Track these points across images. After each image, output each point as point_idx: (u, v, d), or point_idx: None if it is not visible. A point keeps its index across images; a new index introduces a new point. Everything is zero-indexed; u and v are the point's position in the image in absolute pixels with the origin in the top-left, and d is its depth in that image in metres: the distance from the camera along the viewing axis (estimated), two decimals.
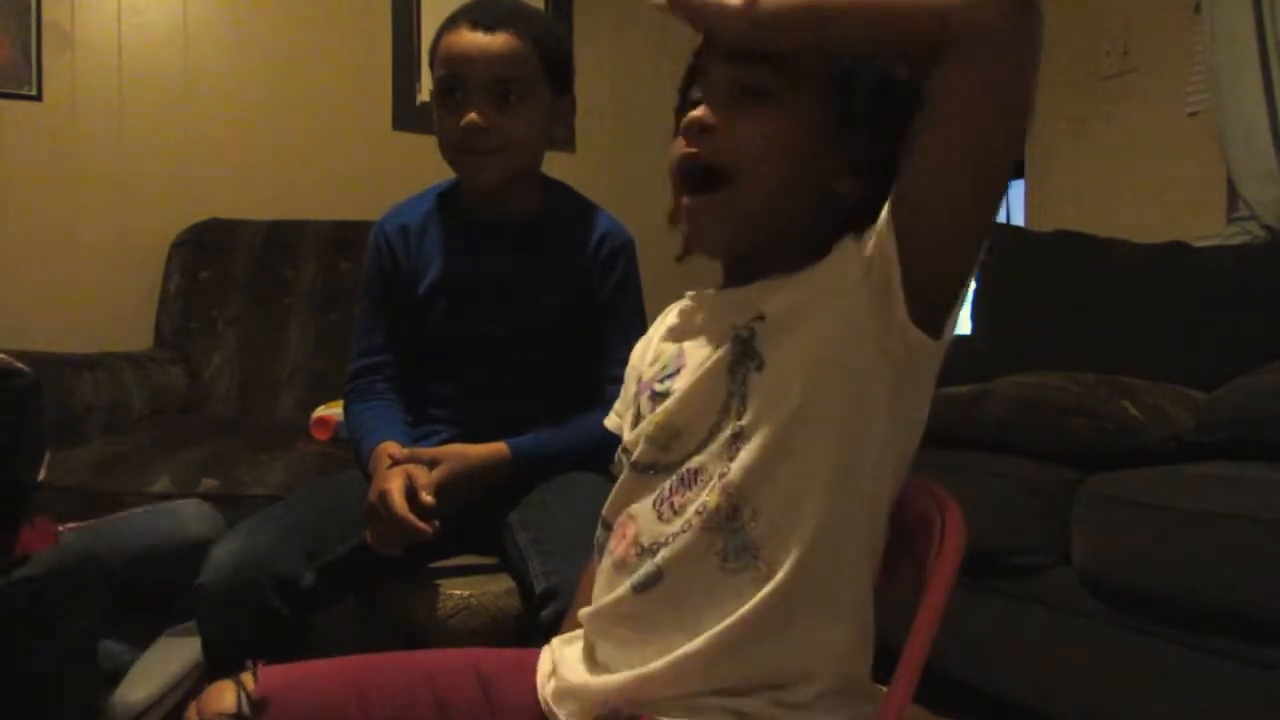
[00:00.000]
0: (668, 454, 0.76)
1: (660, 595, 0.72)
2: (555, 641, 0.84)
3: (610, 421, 0.92)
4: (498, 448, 1.24)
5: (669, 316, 0.88)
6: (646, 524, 0.75)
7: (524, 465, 1.25)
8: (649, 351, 0.86)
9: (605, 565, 0.79)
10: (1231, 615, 1.30)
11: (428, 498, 1.13)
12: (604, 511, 0.81)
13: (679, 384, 0.77)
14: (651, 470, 0.77)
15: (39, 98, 2.51)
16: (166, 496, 1.74)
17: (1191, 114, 2.41)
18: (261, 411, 2.41)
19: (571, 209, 1.38)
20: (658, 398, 0.79)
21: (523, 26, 1.26)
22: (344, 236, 2.57)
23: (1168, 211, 2.44)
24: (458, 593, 1.21)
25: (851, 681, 0.72)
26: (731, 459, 0.71)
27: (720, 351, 0.74)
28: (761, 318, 0.72)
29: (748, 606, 0.69)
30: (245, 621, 1.11)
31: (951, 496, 0.76)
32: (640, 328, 1.36)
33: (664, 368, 0.80)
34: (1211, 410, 1.56)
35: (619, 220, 1.39)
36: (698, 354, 0.77)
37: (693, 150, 0.75)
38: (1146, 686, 1.43)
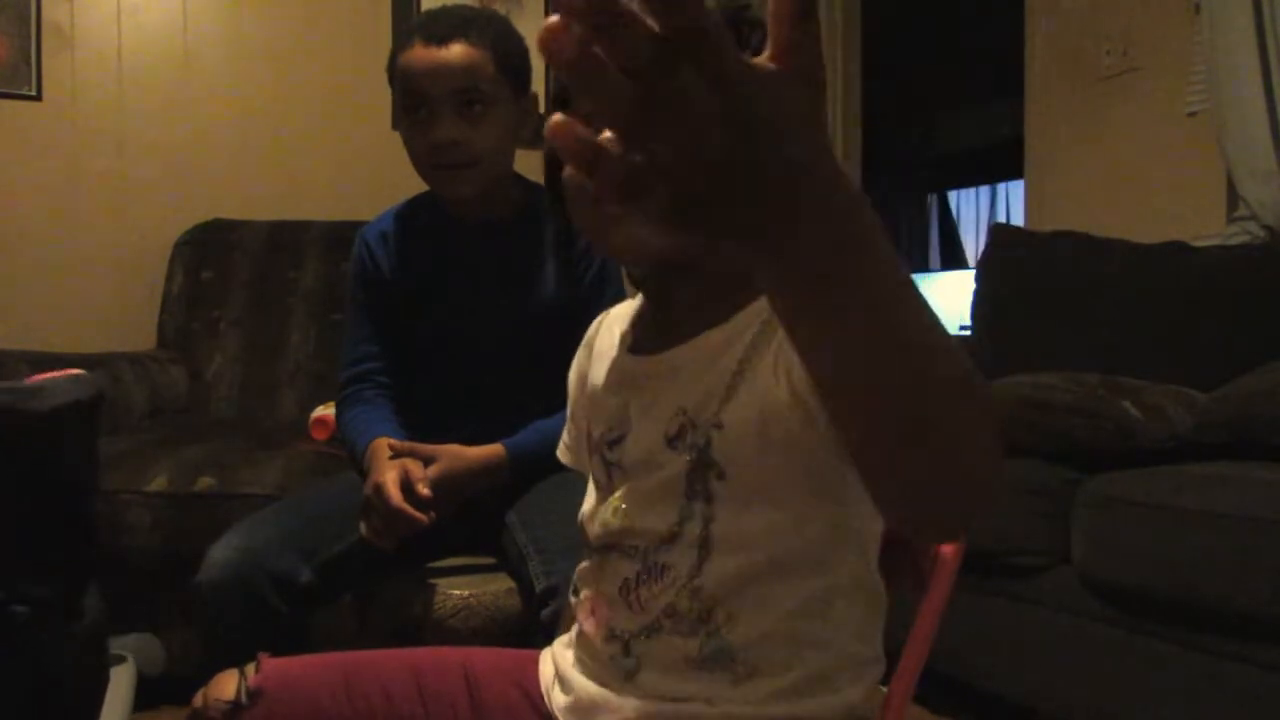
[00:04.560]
0: (628, 539, 0.73)
1: (641, 688, 0.70)
2: (557, 645, 0.84)
3: (563, 456, 0.90)
4: (494, 449, 1.24)
5: (601, 339, 0.84)
6: (616, 610, 0.72)
7: (520, 466, 1.25)
8: (590, 399, 0.82)
9: (575, 633, 0.78)
10: (1231, 615, 1.30)
11: (424, 490, 1.14)
12: (575, 576, 0.79)
13: (629, 456, 0.74)
14: (613, 553, 0.74)
15: (39, 98, 2.51)
16: (164, 495, 1.74)
17: (1191, 114, 2.40)
18: (263, 411, 2.41)
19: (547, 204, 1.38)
20: (611, 467, 0.76)
21: (475, 35, 1.25)
22: (345, 237, 2.54)
23: (1168, 211, 2.44)
24: (457, 593, 1.21)
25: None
26: (702, 560, 0.68)
27: (677, 457, 0.69)
28: (719, 426, 0.68)
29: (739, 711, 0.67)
30: (243, 619, 1.11)
31: None
32: None
33: (610, 428, 0.77)
34: (1211, 410, 1.56)
35: None
36: (645, 429, 0.73)
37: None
38: (1146, 686, 1.43)
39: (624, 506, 0.73)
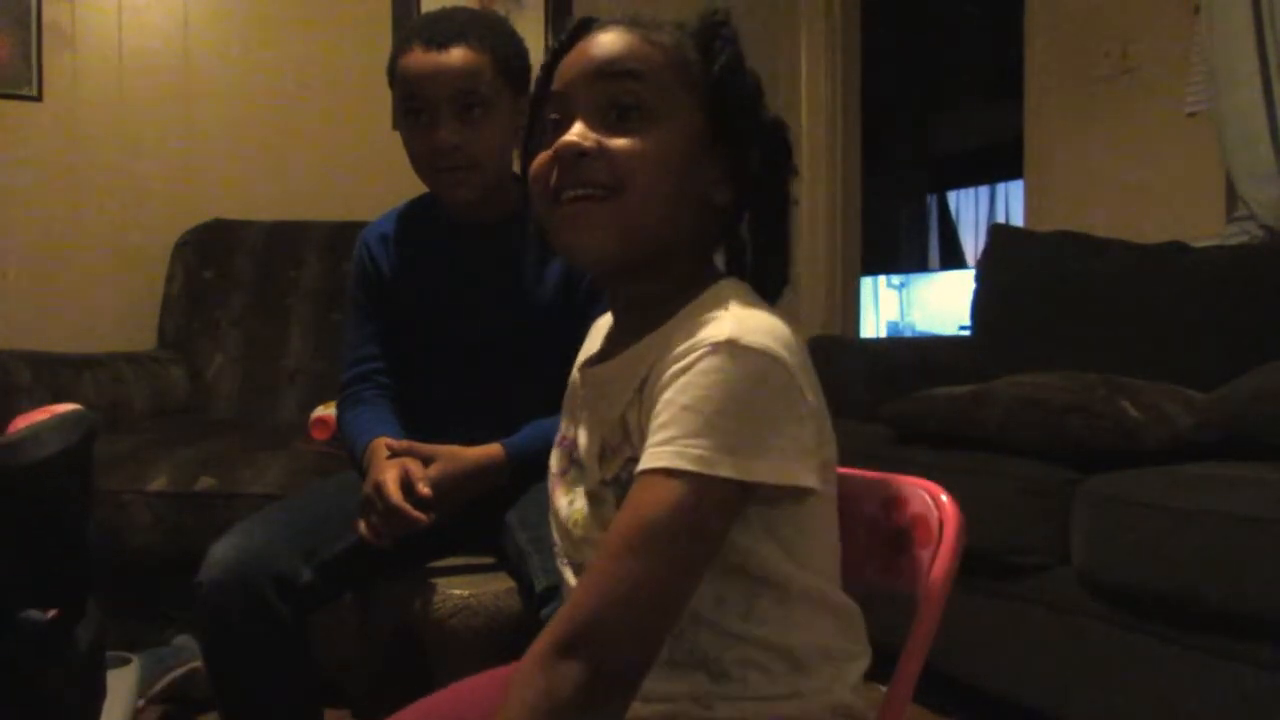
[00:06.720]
0: (579, 554, 0.76)
1: None
2: None
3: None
4: (492, 449, 1.25)
5: (587, 345, 0.87)
6: None
7: (519, 466, 1.26)
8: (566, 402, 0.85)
9: None
10: (1231, 615, 1.30)
11: (424, 489, 1.14)
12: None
13: (580, 458, 0.77)
14: (569, 567, 0.78)
15: (39, 98, 2.51)
16: (165, 495, 1.74)
17: (1191, 114, 2.40)
18: (263, 411, 2.42)
19: None
20: (572, 464, 0.79)
21: (475, 38, 1.25)
22: (345, 237, 2.56)
23: (1167, 211, 2.44)
24: (457, 592, 1.21)
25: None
26: None
27: (607, 478, 0.73)
28: (634, 459, 0.68)
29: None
30: (243, 619, 1.11)
31: (951, 496, 0.76)
32: None
33: (565, 435, 0.82)
34: (1211, 410, 1.56)
35: None
36: (583, 441, 0.77)
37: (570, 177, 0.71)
38: (1146, 686, 1.43)
39: (582, 508, 0.75)
